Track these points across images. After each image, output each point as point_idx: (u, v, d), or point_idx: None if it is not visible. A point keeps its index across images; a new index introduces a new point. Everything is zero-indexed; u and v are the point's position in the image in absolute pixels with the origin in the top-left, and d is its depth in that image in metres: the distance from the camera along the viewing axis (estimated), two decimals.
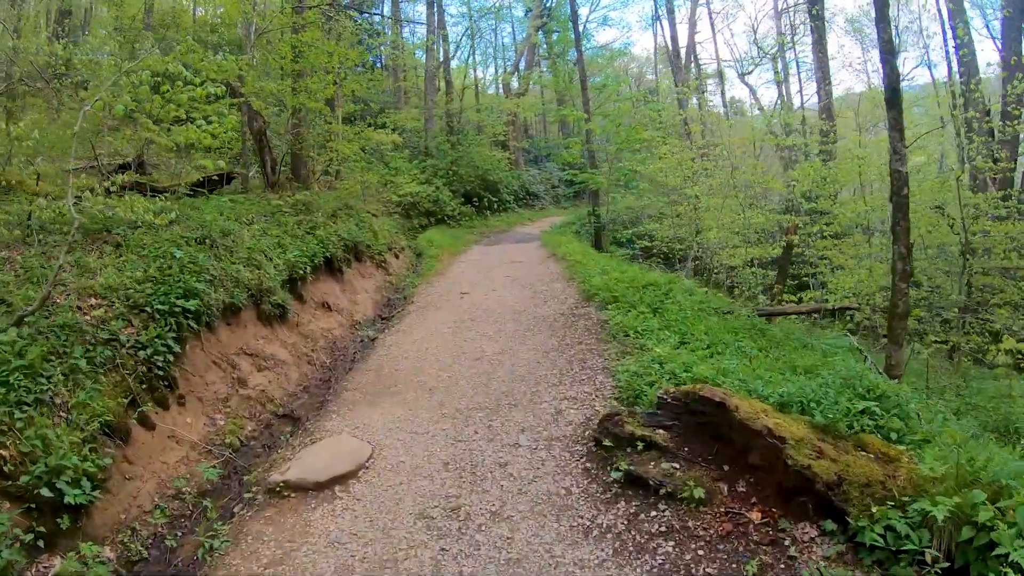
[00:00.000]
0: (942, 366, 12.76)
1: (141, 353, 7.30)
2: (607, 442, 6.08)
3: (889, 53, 7.80)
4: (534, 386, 8.13)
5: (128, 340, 7.37)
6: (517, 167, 36.51)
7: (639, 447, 5.86)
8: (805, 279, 18.74)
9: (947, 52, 32.48)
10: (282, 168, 20.25)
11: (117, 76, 8.44)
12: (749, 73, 43.32)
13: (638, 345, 8.88)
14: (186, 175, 14.24)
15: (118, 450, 6.41)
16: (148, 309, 7.83)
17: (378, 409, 7.99)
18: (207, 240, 10.32)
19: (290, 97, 17.39)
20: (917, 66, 44.21)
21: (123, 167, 13.78)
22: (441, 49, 34.47)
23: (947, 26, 21.57)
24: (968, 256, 12.49)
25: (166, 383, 7.63)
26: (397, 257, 19.05)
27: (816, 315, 14.62)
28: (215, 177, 14.61)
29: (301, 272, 11.98)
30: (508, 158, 33.66)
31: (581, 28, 40.93)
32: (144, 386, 7.27)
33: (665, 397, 6.11)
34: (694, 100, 33.13)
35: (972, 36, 19.90)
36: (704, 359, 7.97)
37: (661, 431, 5.95)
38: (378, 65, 40.27)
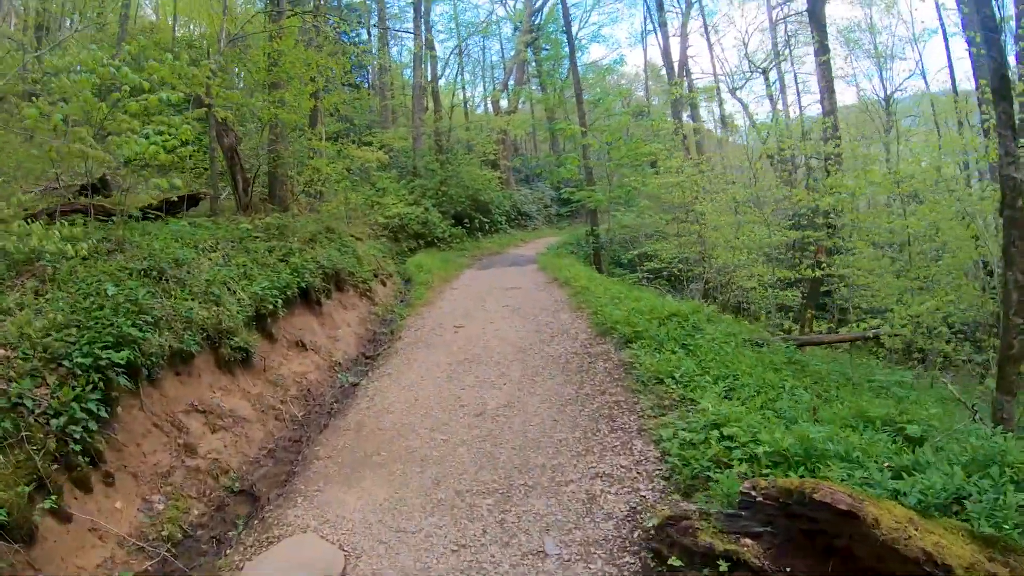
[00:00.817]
0: None
1: (55, 421, 5.49)
2: (675, 559, 4.26)
3: (992, 30, 6.10)
4: (554, 456, 6.28)
5: (37, 405, 5.56)
6: (508, 186, 34.88)
7: (721, 567, 4.04)
8: (825, 302, 17.10)
9: (949, 60, 31.27)
10: (258, 189, 18.48)
11: (21, 68, 6.63)
12: (740, 88, 41.94)
13: (678, 397, 7.08)
14: (144, 195, 12.45)
15: (17, 556, 4.65)
16: (67, 363, 6.03)
17: (355, 489, 6.13)
18: (155, 272, 8.57)
19: (264, 110, 15.61)
20: (909, 76, 42.80)
21: (85, 189, 12.14)
22: (429, 67, 32.79)
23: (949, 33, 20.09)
24: None
25: (88, 458, 5.80)
26: (384, 284, 17.23)
27: (845, 343, 12.92)
28: (175, 199, 12.82)
29: (271, 306, 10.17)
30: (499, 177, 31.98)
31: (566, 56, 39.66)
32: (58, 465, 5.44)
33: (752, 494, 4.29)
34: (686, 115, 31.71)
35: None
36: (768, 419, 6.18)
37: (748, 541, 4.15)
38: (365, 84, 38.72)
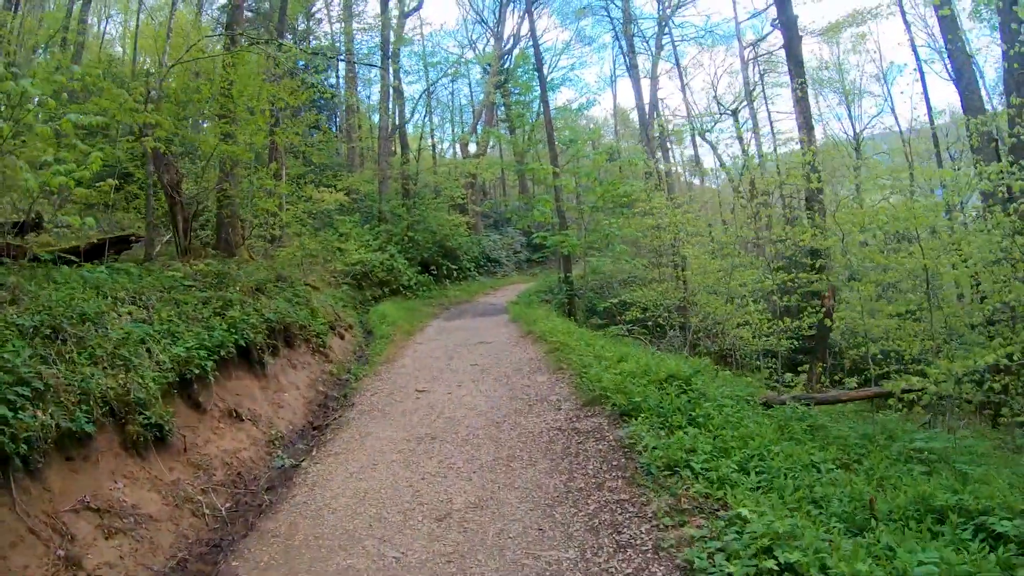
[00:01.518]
0: None
1: None
2: None
3: None
4: None
5: None
6: (477, 232, 33.46)
7: None
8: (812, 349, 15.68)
9: (926, 95, 30.62)
10: (206, 232, 16.75)
11: None
12: (710, 130, 41.12)
13: (700, 494, 5.43)
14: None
15: None
16: None
17: None
18: (48, 329, 6.85)
19: (207, 143, 13.96)
20: (878, 114, 42.29)
21: (20, 226, 10.48)
22: (396, 109, 31.35)
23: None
24: None
25: None
26: (342, 337, 15.49)
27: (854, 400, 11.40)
28: (97, 242, 11.12)
29: (199, 370, 8.44)
30: (467, 223, 30.53)
31: (536, 96, 38.60)
32: None
33: None
34: (659, 157, 30.66)
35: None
36: (822, 523, 4.58)
37: None
38: (332, 128, 37.30)
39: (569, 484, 6.17)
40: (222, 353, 9.22)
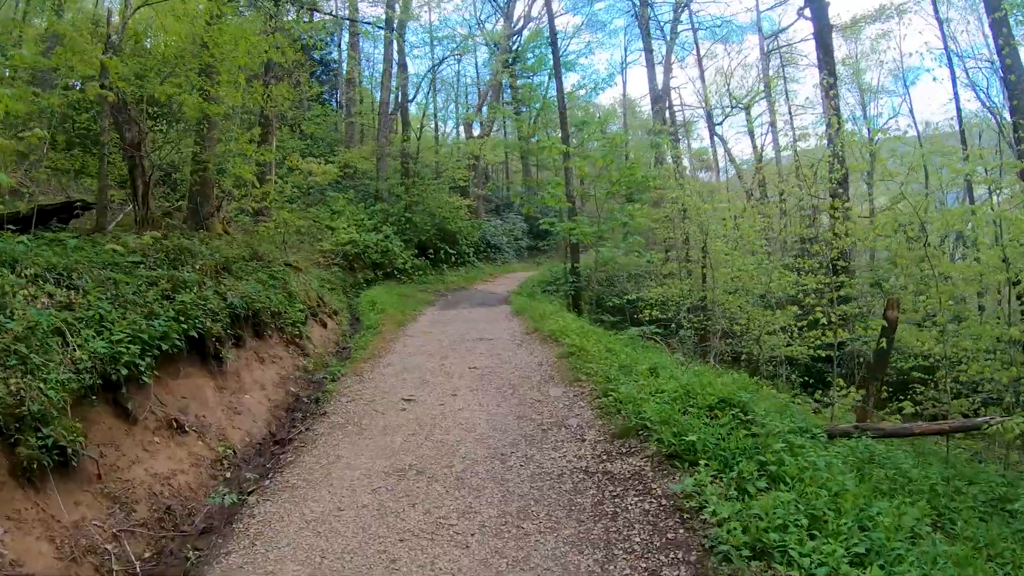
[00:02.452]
0: None
1: None
2: None
3: None
4: None
5: None
6: (478, 216, 31.40)
7: None
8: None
9: (956, 95, 28.59)
10: (181, 202, 14.79)
11: None
12: (720, 123, 39.01)
13: None
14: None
15: None
16: None
17: None
18: None
19: (187, 103, 11.98)
20: (895, 115, 40.21)
21: None
22: (399, 84, 29.19)
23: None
24: None
25: None
26: (324, 326, 13.55)
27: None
28: (46, 208, 9.22)
29: (130, 368, 6.56)
30: (468, 206, 28.47)
31: (547, 75, 36.51)
32: None
33: None
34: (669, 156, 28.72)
35: None
36: None
37: None
38: (332, 104, 35.21)
39: (607, 568, 4.25)
40: (164, 347, 7.31)
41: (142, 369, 6.75)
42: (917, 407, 10.94)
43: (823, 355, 13.49)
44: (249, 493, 6.34)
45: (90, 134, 14.30)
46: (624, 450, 5.98)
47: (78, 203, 10.62)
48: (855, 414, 10.10)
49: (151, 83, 11.83)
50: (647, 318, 14.57)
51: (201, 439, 7.42)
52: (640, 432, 6.13)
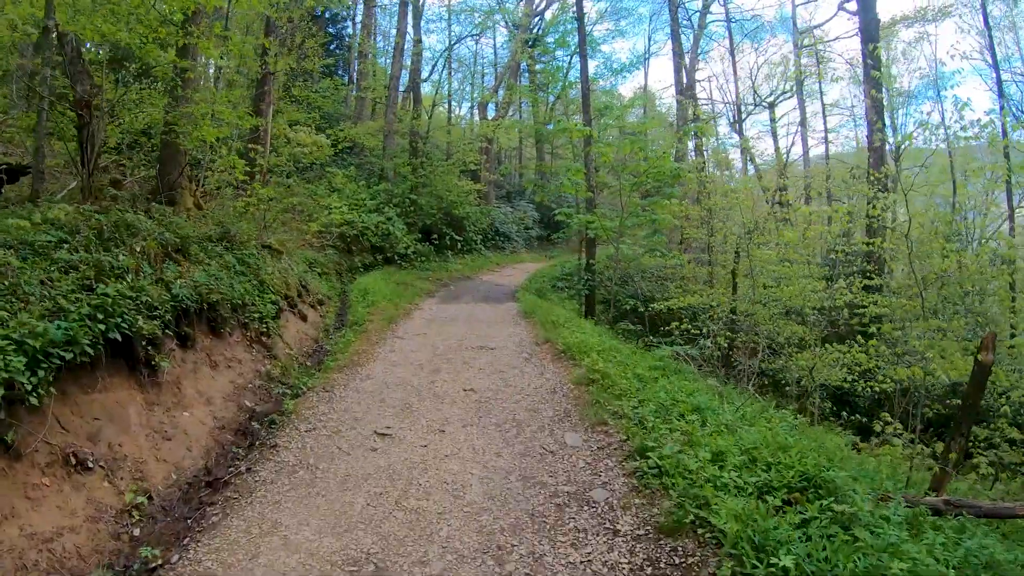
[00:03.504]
0: None
1: None
2: None
3: None
4: None
5: None
6: (487, 202, 29.33)
7: None
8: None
9: (1000, 97, 26.27)
10: (151, 173, 12.86)
11: None
12: (743, 120, 36.73)
13: None
14: None
15: None
16: None
17: None
18: None
19: (148, 53, 10.03)
20: (924, 122, 37.84)
21: None
22: (413, 59, 27.08)
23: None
24: None
25: None
26: (304, 319, 11.62)
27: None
28: None
29: (9, 388, 4.73)
30: (478, 190, 26.41)
31: (567, 59, 34.34)
32: None
33: None
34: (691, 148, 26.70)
35: None
36: None
37: None
38: (344, 79, 33.07)
39: None
40: (70, 355, 5.42)
41: (29, 388, 4.88)
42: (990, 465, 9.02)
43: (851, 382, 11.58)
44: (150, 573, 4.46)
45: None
46: (678, 561, 4.02)
47: (21, 168, 8.70)
48: (933, 474, 8.11)
49: (113, 27, 9.86)
50: (674, 329, 12.53)
51: (109, 479, 5.53)
52: (699, 529, 4.17)
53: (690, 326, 12.37)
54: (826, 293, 11.07)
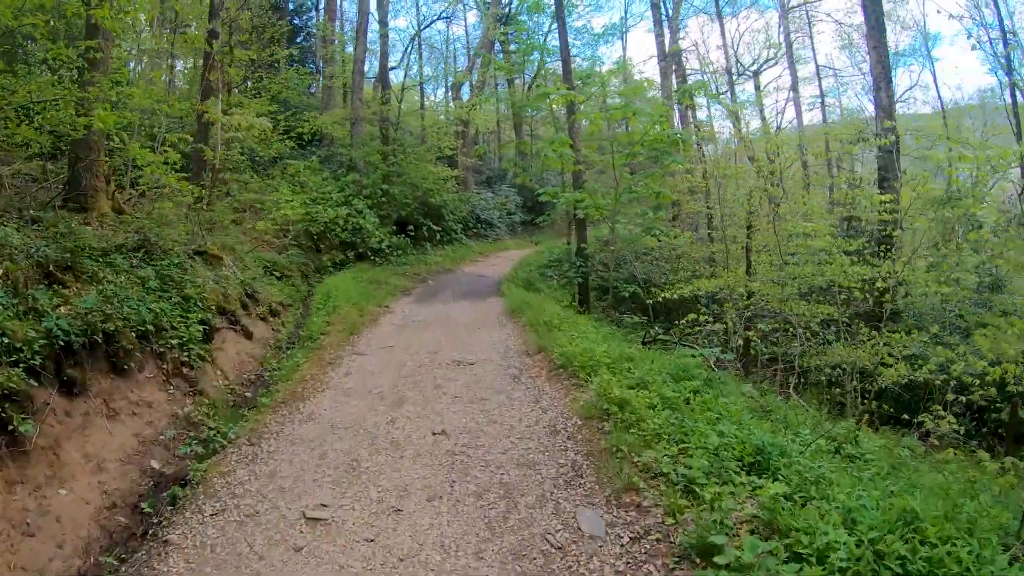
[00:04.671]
0: None
1: None
2: None
3: None
4: None
5: None
6: (467, 188, 27.14)
7: None
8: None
9: (1008, 61, 24.29)
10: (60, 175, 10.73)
11: None
12: (724, 94, 34.60)
13: None
14: None
15: None
16: None
17: None
18: None
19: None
20: (911, 88, 35.88)
21: None
22: (380, 41, 24.81)
23: None
24: None
25: None
26: (250, 336, 9.50)
27: None
28: None
29: None
30: (456, 177, 24.23)
31: (543, 38, 32.07)
32: None
33: None
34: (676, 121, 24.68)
35: None
36: None
37: None
38: (312, 68, 30.74)
39: None
40: None
41: None
42: None
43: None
44: None
45: None
46: None
47: None
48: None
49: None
50: (689, 322, 10.46)
51: None
52: None
53: (708, 316, 10.32)
54: (874, 270, 9.08)
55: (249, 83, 22.30)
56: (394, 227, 19.92)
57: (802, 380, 9.30)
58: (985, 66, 30.92)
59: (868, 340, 9.57)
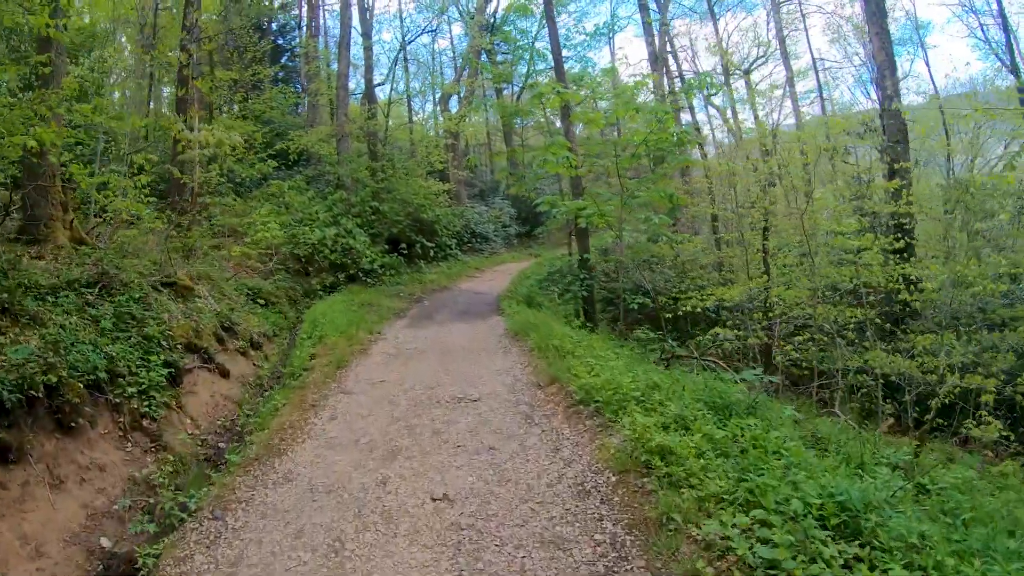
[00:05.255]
0: None
1: None
2: None
3: None
4: None
5: None
6: (459, 202, 26.23)
7: None
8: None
9: (1009, 43, 23.52)
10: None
11: None
12: (715, 94, 33.70)
13: None
14: None
15: None
16: None
17: None
18: None
19: None
20: (904, 78, 35.21)
21: None
22: (364, 56, 23.87)
23: None
24: None
25: None
26: (226, 374, 8.48)
27: None
28: None
29: None
30: (448, 191, 23.29)
31: (531, 40, 31.31)
32: None
33: None
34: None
35: None
36: None
37: None
38: (297, 87, 29.89)
39: None
40: None
41: None
42: None
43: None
44: None
45: None
46: None
47: None
48: None
49: None
50: (712, 337, 9.44)
51: None
52: None
53: (736, 330, 9.33)
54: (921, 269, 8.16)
55: (236, 107, 21.49)
56: (386, 246, 18.97)
57: (847, 395, 8.32)
58: (976, 53, 30.32)
59: (907, 344, 8.67)
